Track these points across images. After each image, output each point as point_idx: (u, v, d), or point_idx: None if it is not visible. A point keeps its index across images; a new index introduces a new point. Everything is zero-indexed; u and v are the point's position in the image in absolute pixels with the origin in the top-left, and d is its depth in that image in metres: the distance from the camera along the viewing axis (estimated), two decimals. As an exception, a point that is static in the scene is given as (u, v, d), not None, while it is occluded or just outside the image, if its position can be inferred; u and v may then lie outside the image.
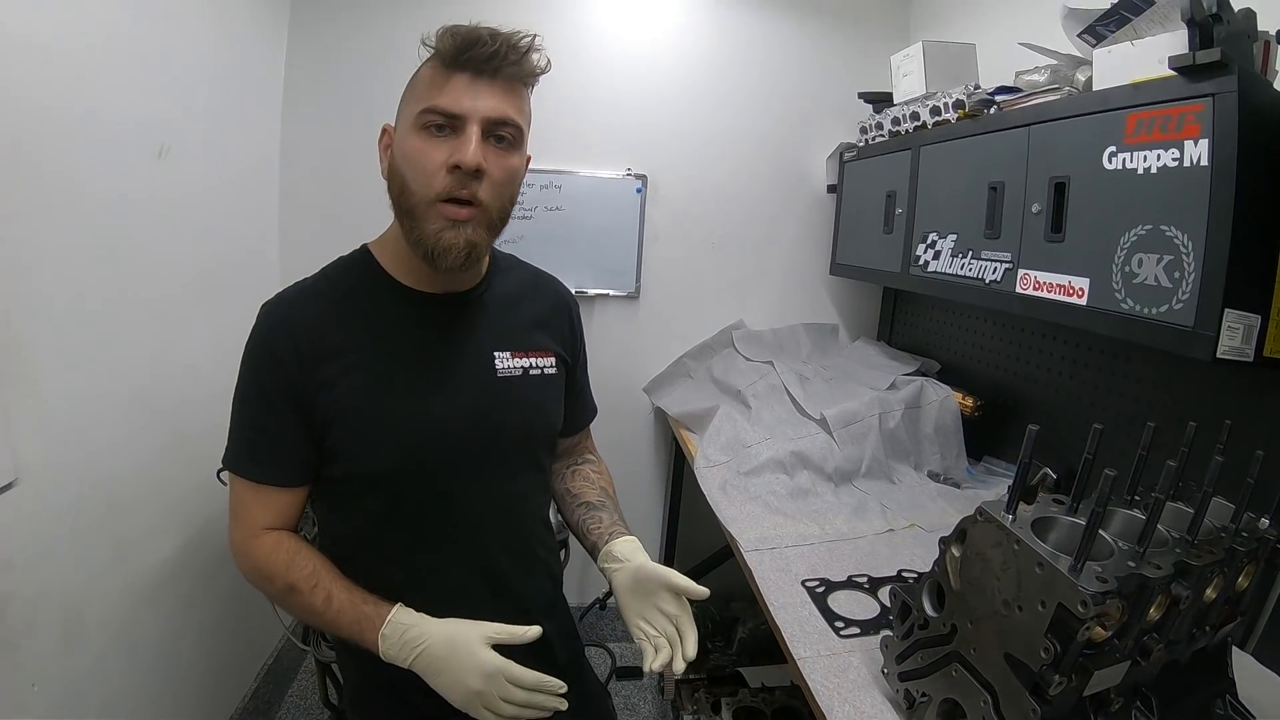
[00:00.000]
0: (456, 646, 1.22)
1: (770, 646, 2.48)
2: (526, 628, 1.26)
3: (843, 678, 1.39)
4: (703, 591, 1.31)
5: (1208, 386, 1.74)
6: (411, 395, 1.33)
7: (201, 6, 2.23)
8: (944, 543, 1.18)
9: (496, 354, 1.42)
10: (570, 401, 1.60)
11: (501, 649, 1.23)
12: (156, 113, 2.01)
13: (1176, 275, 1.45)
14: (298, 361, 1.27)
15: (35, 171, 1.58)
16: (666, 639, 1.31)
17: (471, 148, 1.20)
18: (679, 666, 1.28)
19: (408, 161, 1.24)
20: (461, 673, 1.21)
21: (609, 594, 2.76)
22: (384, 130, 1.33)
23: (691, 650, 1.29)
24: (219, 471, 1.35)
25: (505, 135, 1.26)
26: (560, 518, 1.68)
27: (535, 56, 1.25)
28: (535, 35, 1.25)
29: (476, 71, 1.21)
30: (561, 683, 1.26)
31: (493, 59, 1.20)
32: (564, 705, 1.26)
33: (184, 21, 2.13)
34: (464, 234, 1.25)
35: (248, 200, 2.71)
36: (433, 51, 1.24)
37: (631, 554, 1.41)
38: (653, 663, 1.28)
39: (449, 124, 1.21)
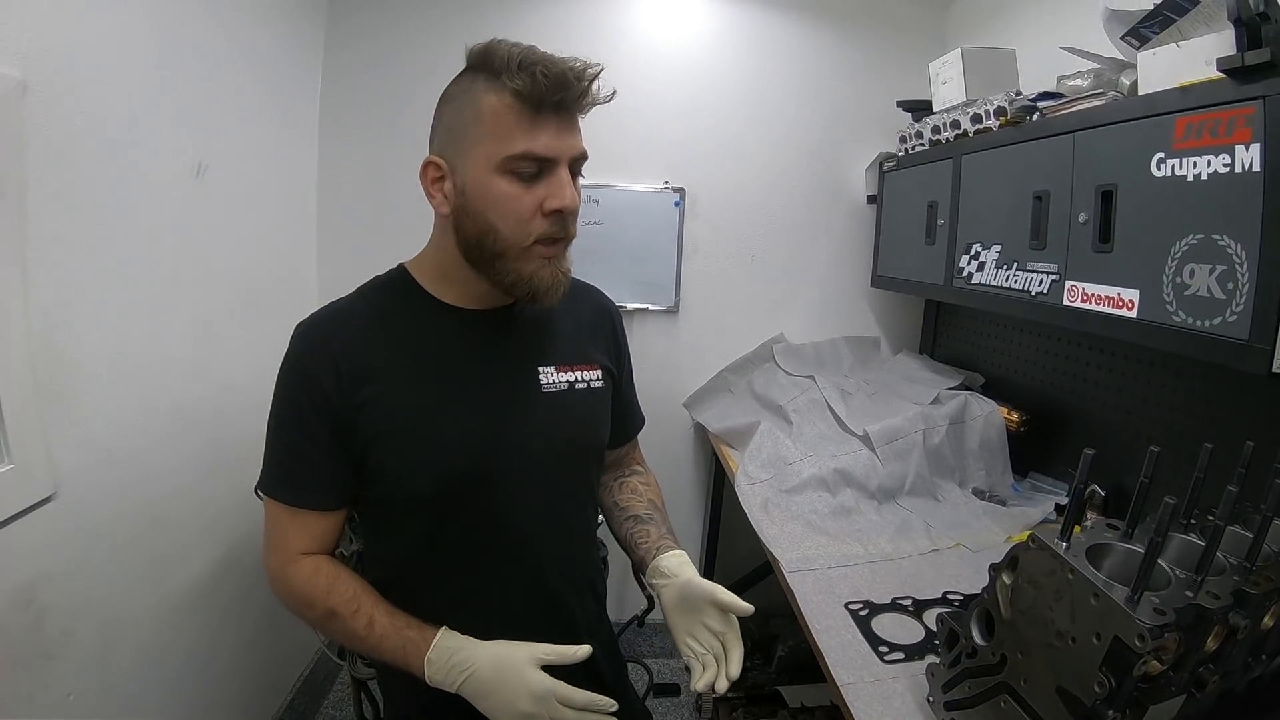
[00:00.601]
0: (504, 669, 1.20)
1: (810, 665, 2.43)
2: (575, 648, 1.23)
3: (886, 705, 1.36)
4: (747, 608, 1.28)
5: (1264, 402, 1.67)
6: (454, 415, 1.31)
7: (237, 25, 2.25)
8: (994, 569, 1.14)
9: (541, 369, 1.40)
10: (617, 412, 1.58)
11: (550, 669, 1.21)
12: (194, 132, 2.04)
13: (1230, 286, 1.40)
14: (336, 383, 1.25)
15: (75, 191, 1.61)
16: (713, 656, 1.29)
17: (569, 191, 1.21)
18: (721, 686, 1.26)
19: (498, 208, 1.20)
20: (510, 695, 1.18)
21: (647, 610, 2.73)
22: (428, 164, 1.26)
23: (735, 669, 1.26)
24: (256, 487, 1.34)
25: (579, 167, 1.27)
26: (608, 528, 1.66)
27: (598, 85, 1.23)
28: (600, 66, 1.21)
29: (562, 110, 1.20)
30: (613, 701, 1.23)
31: (581, 98, 1.20)
32: None
33: (220, 41, 2.15)
34: (560, 267, 1.28)
35: (285, 217, 2.74)
36: (496, 79, 1.17)
37: (679, 569, 1.38)
38: (697, 681, 1.26)
39: (539, 168, 1.20)
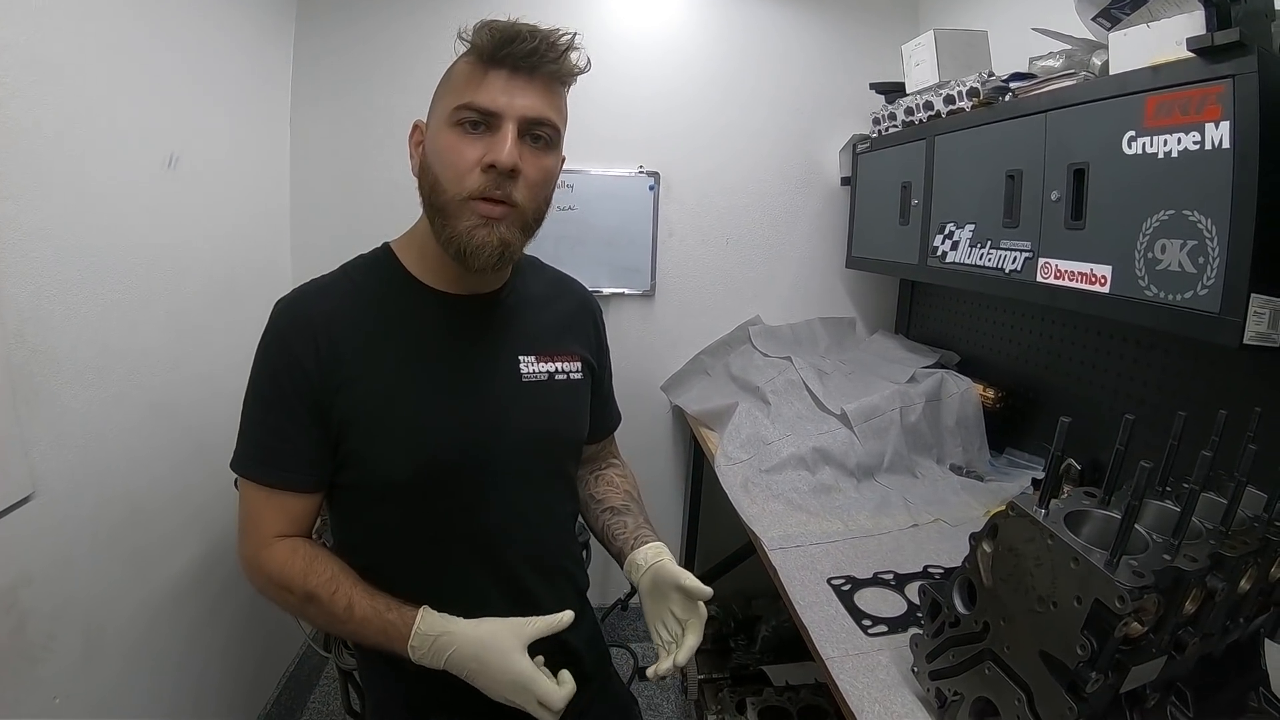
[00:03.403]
0: (486, 660, 1.17)
1: (793, 644, 2.47)
2: (560, 615, 1.22)
3: (872, 677, 1.37)
4: (705, 591, 1.28)
5: (1235, 373, 1.71)
6: (433, 401, 1.29)
7: (207, 15, 2.23)
8: (974, 539, 1.16)
9: (521, 358, 1.38)
10: (595, 407, 1.56)
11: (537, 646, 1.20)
12: (164, 123, 2.02)
13: (1201, 260, 1.43)
14: (316, 360, 1.22)
15: (46, 185, 1.58)
16: (675, 643, 1.30)
17: (507, 148, 1.16)
18: (663, 667, 1.26)
19: (440, 158, 1.20)
20: (494, 677, 1.17)
21: (630, 594, 2.75)
22: (415, 126, 1.30)
23: (682, 656, 1.26)
24: (231, 466, 1.30)
25: (542, 135, 1.22)
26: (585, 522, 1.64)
27: (575, 55, 1.22)
28: (575, 34, 1.21)
29: (514, 69, 1.18)
30: (572, 687, 1.21)
31: (531, 56, 1.17)
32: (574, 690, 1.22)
33: (189, 30, 2.13)
34: (497, 233, 1.21)
35: (258, 206, 2.72)
36: (468, 46, 1.20)
37: (654, 558, 1.37)
38: (654, 669, 1.28)
39: (484, 121, 1.18)
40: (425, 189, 1.25)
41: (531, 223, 1.28)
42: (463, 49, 1.23)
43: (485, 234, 1.20)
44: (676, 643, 1.29)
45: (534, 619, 1.22)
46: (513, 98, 1.18)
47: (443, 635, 1.19)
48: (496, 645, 1.18)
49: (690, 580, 1.29)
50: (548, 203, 1.30)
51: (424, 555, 1.32)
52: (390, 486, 1.28)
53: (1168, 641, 1.00)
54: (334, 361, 1.24)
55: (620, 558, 1.45)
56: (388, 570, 1.29)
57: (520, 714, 1.22)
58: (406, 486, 1.27)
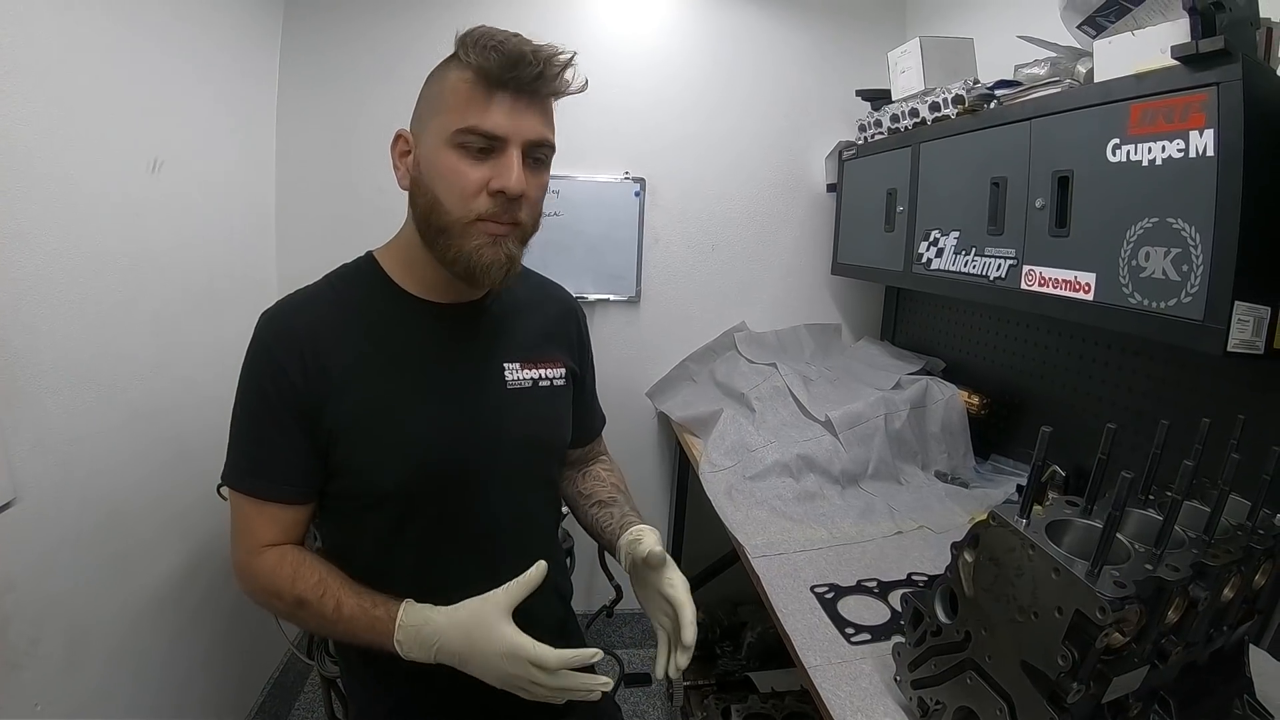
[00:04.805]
0: (475, 639, 1.16)
1: (779, 650, 2.46)
2: (530, 571, 1.21)
3: (854, 685, 1.36)
4: (656, 556, 1.34)
5: (1218, 381, 1.71)
6: (421, 409, 1.29)
7: (193, 17, 2.21)
8: (956, 548, 1.16)
9: (506, 365, 1.39)
10: (579, 412, 1.57)
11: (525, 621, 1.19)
12: (149, 126, 2.00)
13: (1185, 268, 1.43)
14: (303, 371, 1.23)
15: (28, 190, 1.57)
16: (668, 635, 1.32)
17: (515, 174, 1.18)
18: (659, 671, 1.30)
19: (443, 180, 1.20)
20: (485, 659, 1.16)
21: (615, 601, 2.74)
22: (399, 137, 1.29)
23: (682, 660, 1.29)
24: (219, 486, 1.31)
25: (540, 155, 1.25)
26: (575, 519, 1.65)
27: (570, 73, 1.22)
28: (574, 53, 1.21)
29: (518, 91, 1.18)
30: (596, 651, 1.20)
31: (537, 80, 1.18)
32: (609, 685, 1.21)
33: (175, 33, 2.11)
34: (504, 249, 1.23)
35: (244, 211, 2.70)
36: (458, 57, 1.19)
37: (634, 540, 1.39)
38: (657, 668, 1.29)
39: (489, 145, 1.18)
40: (421, 207, 1.25)
41: (530, 235, 1.30)
42: (435, 60, 1.24)
43: (493, 252, 1.22)
44: (669, 634, 1.32)
45: (507, 585, 1.21)
46: (518, 122, 1.19)
47: (425, 626, 1.19)
48: (481, 621, 1.18)
49: (644, 550, 1.34)
50: (541, 213, 1.32)
51: (411, 562, 1.33)
52: (379, 495, 1.29)
53: (1150, 651, 1.00)
54: (320, 372, 1.24)
55: (613, 549, 1.46)
56: (376, 578, 1.29)
57: (504, 716, 1.22)
58: (395, 495, 1.29)
